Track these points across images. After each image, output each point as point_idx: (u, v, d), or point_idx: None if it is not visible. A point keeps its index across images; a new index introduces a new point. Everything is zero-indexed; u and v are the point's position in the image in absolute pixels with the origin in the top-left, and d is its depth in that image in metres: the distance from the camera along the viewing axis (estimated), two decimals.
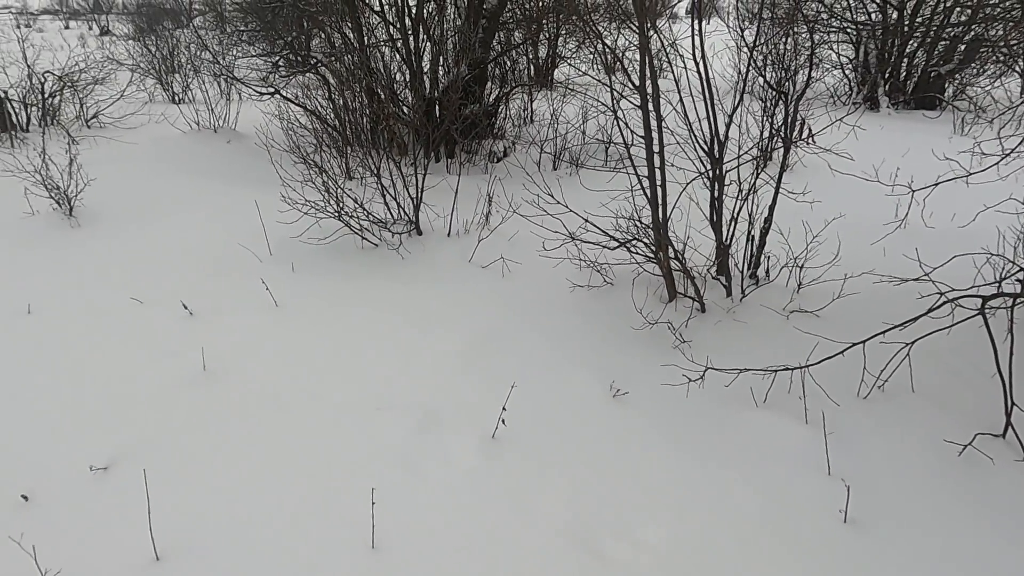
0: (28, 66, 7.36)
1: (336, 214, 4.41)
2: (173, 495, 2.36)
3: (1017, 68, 9.35)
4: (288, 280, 4.04)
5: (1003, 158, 3.09)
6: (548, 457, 2.64)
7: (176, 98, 9.85)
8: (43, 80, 7.43)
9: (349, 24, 6.43)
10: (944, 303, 2.78)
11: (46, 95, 7.45)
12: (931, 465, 2.62)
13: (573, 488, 2.49)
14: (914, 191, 3.59)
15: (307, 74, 7.32)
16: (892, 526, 2.34)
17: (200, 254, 4.39)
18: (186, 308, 3.66)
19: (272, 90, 6.87)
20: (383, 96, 6.12)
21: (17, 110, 7.23)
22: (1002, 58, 8.99)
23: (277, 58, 9.37)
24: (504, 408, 2.75)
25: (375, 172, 4.62)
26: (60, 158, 5.21)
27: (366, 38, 6.35)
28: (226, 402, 2.94)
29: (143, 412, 2.86)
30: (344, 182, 5.33)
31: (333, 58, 6.53)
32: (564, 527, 2.31)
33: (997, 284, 2.96)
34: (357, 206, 4.44)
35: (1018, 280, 3.14)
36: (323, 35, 8.06)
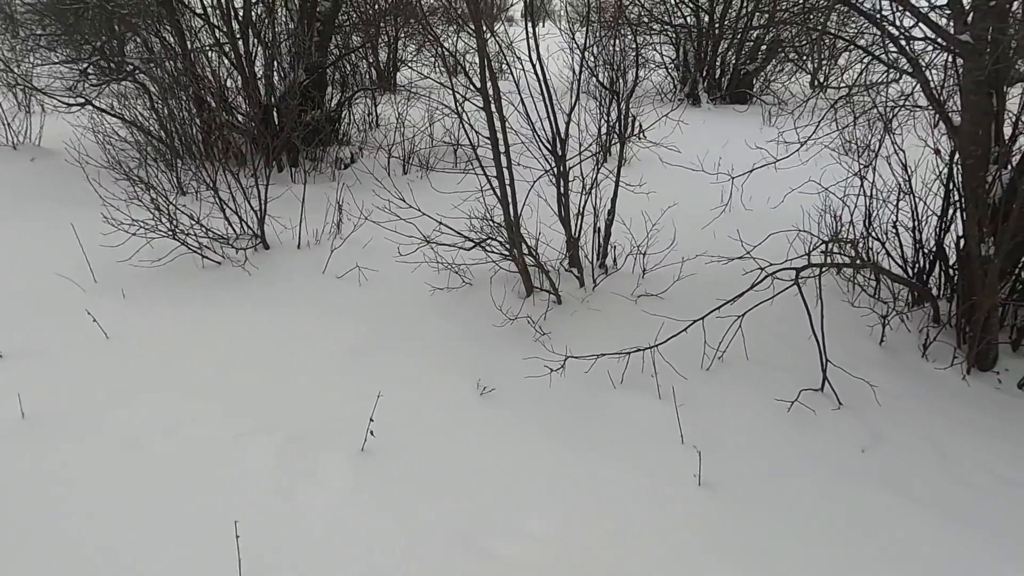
0: None
1: (170, 233, 4.08)
2: (12, 557, 2.07)
3: (806, 67, 10.64)
4: (120, 309, 3.67)
5: (801, 145, 3.50)
6: (423, 463, 2.63)
7: None
8: None
9: (168, 27, 5.95)
10: (765, 277, 3.10)
11: None
12: (767, 424, 2.92)
13: (452, 491, 2.49)
14: (733, 178, 3.98)
15: (123, 82, 6.68)
16: (739, 484, 2.58)
17: (9, 288, 3.87)
18: None
19: (82, 100, 6.20)
20: (214, 104, 5.74)
21: None
22: (794, 57, 10.18)
23: (86, 65, 8.46)
24: (372, 419, 2.69)
25: (211, 185, 4.32)
26: None
27: (189, 42, 5.92)
28: (56, 452, 2.62)
29: None
30: (176, 198, 4.93)
31: (152, 64, 6.01)
32: (450, 531, 2.31)
33: (807, 256, 3.36)
34: (193, 223, 4.14)
35: (822, 252, 3.57)
36: (138, 39, 7.39)
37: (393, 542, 2.26)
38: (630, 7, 9.01)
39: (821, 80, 10.40)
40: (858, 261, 3.65)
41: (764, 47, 10.68)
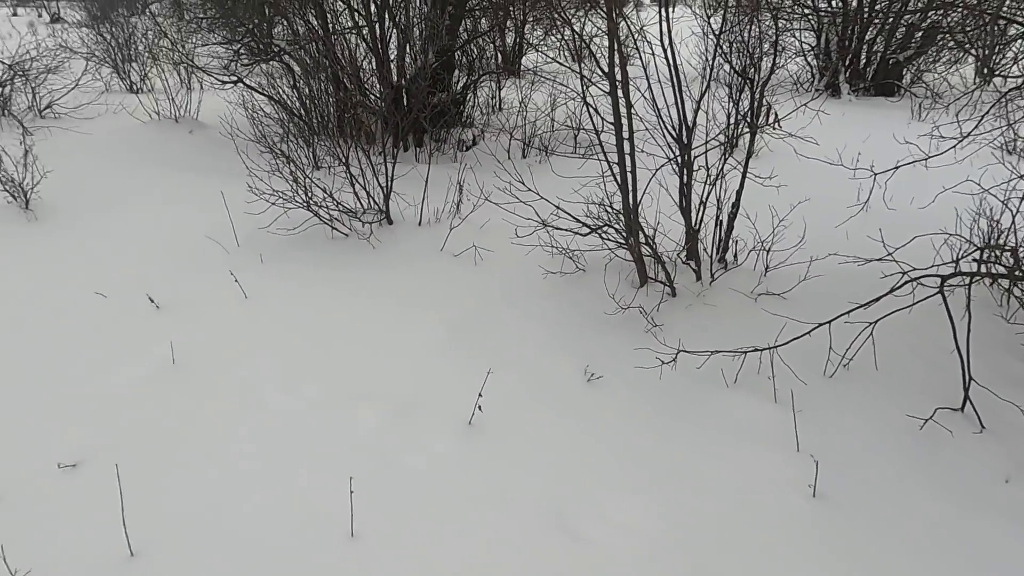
0: None
1: (305, 204, 4.35)
2: (146, 491, 2.33)
3: (972, 54, 9.61)
4: (257, 271, 3.98)
5: (959, 142, 3.18)
6: (524, 442, 2.67)
7: (134, 87, 9.58)
8: None
9: (313, 11, 6.32)
10: (905, 282, 2.86)
11: None
12: (894, 440, 2.71)
13: (550, 471, 2.52)
14: (876, 174, 3.69)
15: (270, 62, 7.18)
16: (858, 499, 2.42)
17: (165, 246, 4.29)
18: (152, 302, 3.59)
19: (235, 79, 6.72)
20: (349, 84, 6.04)
21: None
22: (957, 45, 9.23)
23: (239, 46, 9.17)
24: (480, 394, 2.76)
25: (343, 161, 4.56)
26: (13, 150, 5.03)
27: (331, 25, 6.25)
28: (198, 396, 2.89)
29: (111, 408, 2.80)
30: (312, 171, 5.25)
31: (297, 46, 6.42)
32: (542, 510, 2.34)
33: (955, 263, 3.07)
34: (326, 196, 4.39)
35: (974, 259, 3.25)
36: (286, 23, 7.90)
37: (489, 514, 2.32)
38: None
39: (989, 70, 9.37)
40: (1017, 272, 3.28)
41: (920, 33, 9.77)
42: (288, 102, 6.06)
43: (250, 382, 2.99)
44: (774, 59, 4.05)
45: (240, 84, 6.54)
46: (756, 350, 2.97)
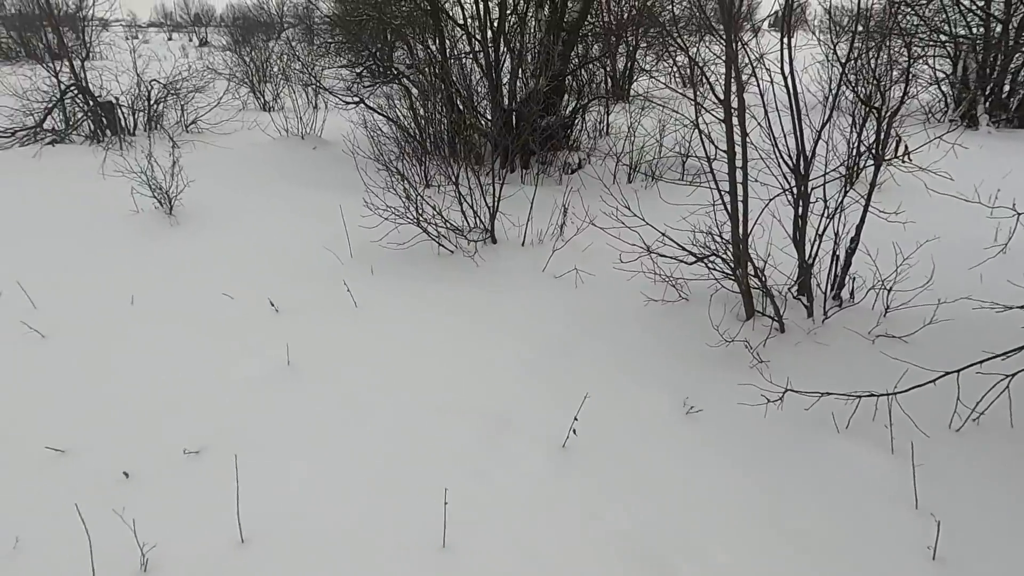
0: (138, 75, 7.92)
1: (415, 220, 4.54)
2: (257, 482, 2.48)
3: None
4: (367, 282, 4.17)
5: None
6: (618, 470, 2.63)
7: (267, 106, 10.37)
8: (150, 88, 7.97)
9: (432, 37, 6.61)
10: None
11: (152, 102, 7.98)
12: None
13: (643, 504, 2.46)
14: (1019, 214, 3.39)
15: (390, 84, 7.57)
16: (985, 567, 2.20)
17: (286, 254, 4.59)
18: (272, 305, 3.84)
19: (357, 99, 7.13)
20: (462, 107, 6.26)
21: (126, 115, 7.78)
22: None
23: (361, 69, 9.73)
24: (576, 418, 2.75)
25: (453, 180, 4.72)
26: (163, 160, 5.57)
27: (448, 51, 6.52)
28: (307, 397, 3.06)
29: (231, 401, 3.01)
30: (423, 189, 5.47)
31: (415, 69, 6.73)
32: (633, 544, 2.29)
33: None
34: (435, 213, 4.55)
35: None
36: (405, 47, 8.31)
37: (580, 541, 2.29)
38: (903, 15, 8.07)
39: None
40: None
41: None
42: (404, 122, 6.35)
43: (356, 387, 3.13)
44: (905, 88, 3.82)
45: (361, 104, 6.93)
46: (872, 395, 2.78)
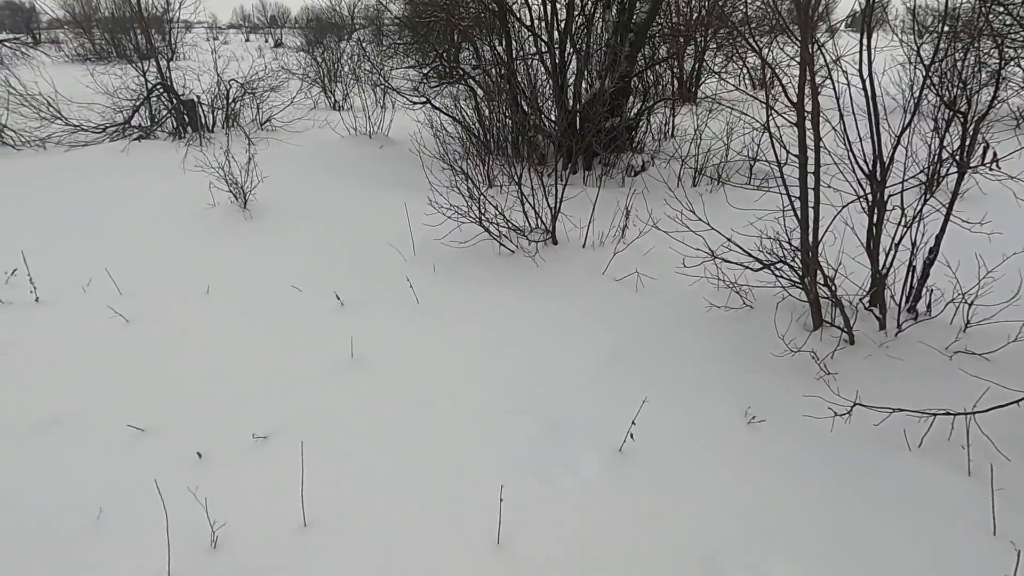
0: (217, 74, 8.29)
1: (477, 219, 4.59)
2: (321, 469, 2.57)
3: None
4: (429, 279, 4.25)
5: None
6: (677, 477, 2.59)
7: (337, 105, 10.67)
8: (228, 87, 8.33)
9: (499, 38, 6.67)
10: None
11: (230, 100, 8.34)
12: None
13: (702, 516, 2.42)
14: None
15: (456, 85, 7.67)
16: None
17: (352, 250, 4.72)
18: (339, 299, 3.96)
19: (423, 99, 7.27)
20: (527, 108, 6.28)
21: (206, 113, 8.15)
22: None
23: (428, 69, 9.89)
24: (633, 422, 2.73)
25: (516, 181, 4.75)
26: (239, 157, 5.82)
27: (514, 51, 6.56)
28: (370, 389, 3.14)
29: (298, 390, 3.12)
30: (486, 189, 5.52)
31: (481, 70, 6.80)
32: (687, 552, 2.25)
33: None
34: (497, 213, 4.59)
35: None
36: (471, 48, 8.41)
37: (636, 548, 2.27)
38: (995, 15, 7.64)
39: None
40: None
41: None
42: (469, 122, 6.43)
43: (416, 382, 3.20)
44: (995, 91, 3.62)
45: (427, 104, 7.05)
46: (949, 414, 2.65)
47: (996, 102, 3.66)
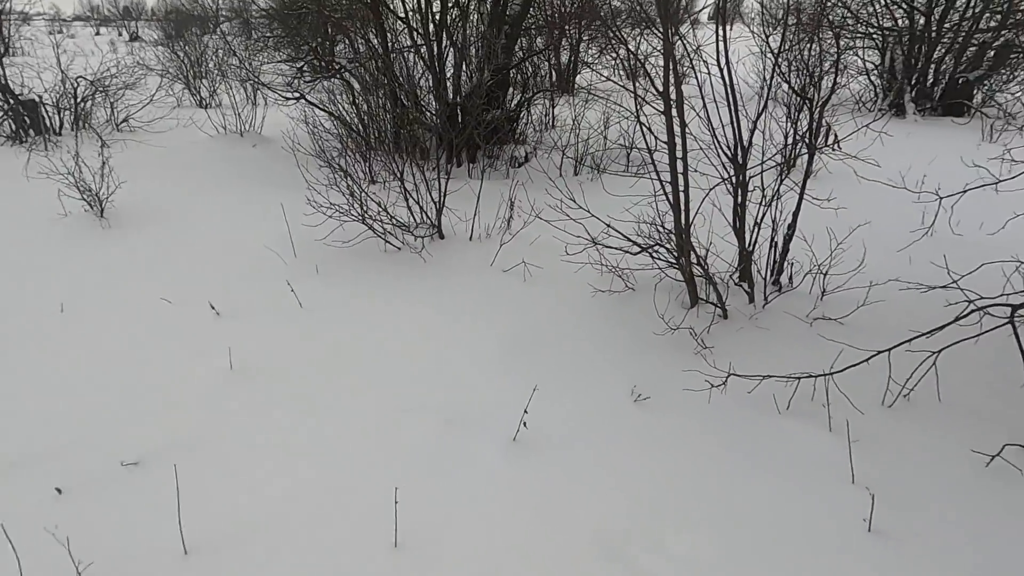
0: (62, 71, 7.55)
1: (360, 217, 4.47)
2: (202, 491, 2.41)
3: None
4: (313, 282, 4.09)
5: None
6: (571, 461, 2.65)
7: (203, 103, 10.03)
8: (75, 85, 7.61)
9: (373, 30, 6.51)
10: (972, 311, 2.74)
11: (78, 99, 7.63)
12: (958, 476, 2.59)
13: (598, 494, 2.49)
14: (942, 198, 3.56)
15: (331, 79, 7.43)
16: (917, 536, 2.31)
17: (227, 256, 4.46)
18: (213, 308, 3.73)
19: (297, 95, 6.98)
20: (406, 101, 6.19)
21: (50, 114, 7.41)
22: None
23: (302, 63, 9.51)
24: (526, 411, 2.76)
25: (398, 176, 4.67)
26: (91, 161, 5.33)
27: (390, 44, 6.43)
28: (253, 401, 2.98)
29: (172, 410, 2.91)
30: (368, 186, 5.39)
31: (357, 63, 6.62)
32: (590, 535, 2.30)
33: None
34: (381, 210, 4.49)
35: None
36: (347, 41, 8.17)
37: (536, 534, 2.30)
38: (832, 8, 8.36)
39: None
40: None
41: (992, 52, 9.40)
42: (347, 118, 6.24)
43: (303, 390, 3.07)
44: (835, 78, 3.96)
45: (302, 100, 6.78)
46: (811, 376, 2.88)
47: (837, 88, 4.01)
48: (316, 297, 3.91)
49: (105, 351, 3.37)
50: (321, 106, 6.47)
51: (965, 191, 3.39)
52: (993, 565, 2.21)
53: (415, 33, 6.43)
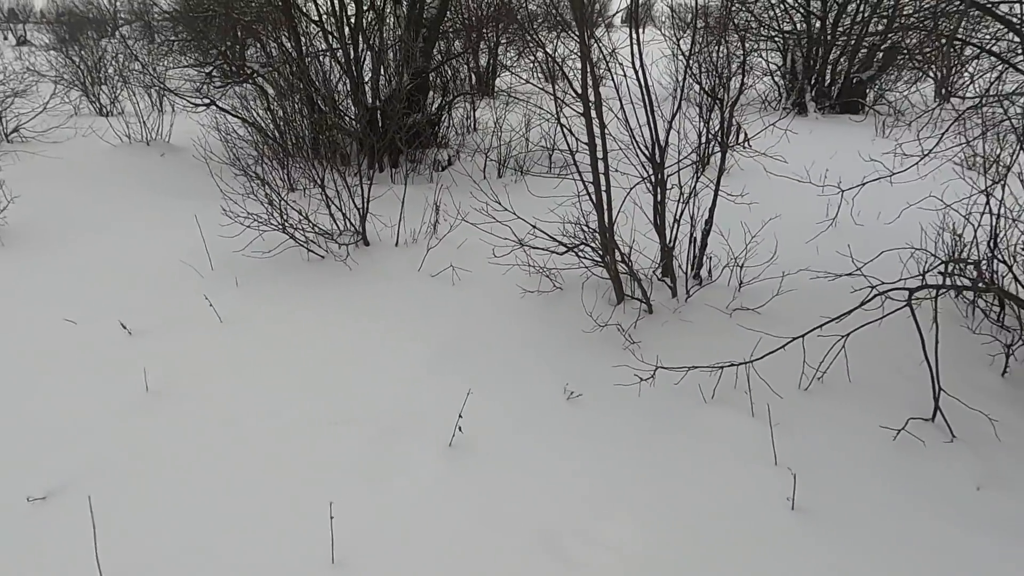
0: None
1: (280, 227, 4.33)
2: (119, 523, 2.27)
3: (930, 74, 9.96)
4: (233, 295, 3.94)
5: (922, 158, 3.29)
6: (508, 462, 2.66)
7: (104, 110, 9.47)
8: None
9: (286, 33, 6.33)
10: (875, 296, 2.93)
11: None
12: (869, 450, 2.76)
13: (534, 492, 2.51)
14: (843, 191, 3.79)
15: (244, 84, 7.16)
16: (835, 510, 2.45)
17: (138, 271, 4.23)
18: (124, 327, 3.52)
19: (207, 101, 6.69)
20: (324, 106, 6.05)
21: None
22: (916, 64, 9.56)
23: (211, 68, 9.12)
24: (460, 415, 2.75)
25: (319, 183, 4.56)
26: None
27: (304, 48, 6.27)
28: (173, 423, 2.84)
29: (83, 438, 2.73)
30: (287, 194, 5.23)
31: (270, 68, 6.42)
32: (529, 533, 2.32)
33: (922, 277, 3.15)
34: (301, 218, 4.37)
35: (940, 272, 3.34)
36: (258, 45, 7.90)
37: (473, 535, 2.30)
38: (736, 12, 8.77)
39: (947, 89, 9.71)
40: (981, 284, 3.38)
41: (881, 54, 10.10)
42: (262, 124, 6.04)
43: (228, 408, 2.95)
44: (742, 79, 4.15)
45: (213, 107, 6.51)
46: (732, 365, 3.01)
47: (744, 88, 4.20)
48: (237, 310, 3.76)
49: (4, 380, 3.12)
50: (234, 112, 6.23)
51: (863, 184, 3.62)
52: (904, 533, 2.37)
53: (330, 37, 6.29)
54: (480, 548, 2.26)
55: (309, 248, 4.41)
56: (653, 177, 3.74)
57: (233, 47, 9.10)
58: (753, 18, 10.10)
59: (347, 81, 6.22)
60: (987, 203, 3.70)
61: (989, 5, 3.09)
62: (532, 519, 2.37)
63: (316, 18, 6.32)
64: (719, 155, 4.01)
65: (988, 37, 4.04)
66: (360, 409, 2.96)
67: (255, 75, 6.87)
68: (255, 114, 6.08)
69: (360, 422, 2.87)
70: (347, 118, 6.28)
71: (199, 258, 4.31)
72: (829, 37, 10.08)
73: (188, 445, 2.71)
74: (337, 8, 6.06)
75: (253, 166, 5.03)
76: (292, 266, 4.33)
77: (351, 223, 4.58)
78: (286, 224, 4.33)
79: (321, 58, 6.26)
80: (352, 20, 6.15)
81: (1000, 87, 3.68)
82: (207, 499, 2.43)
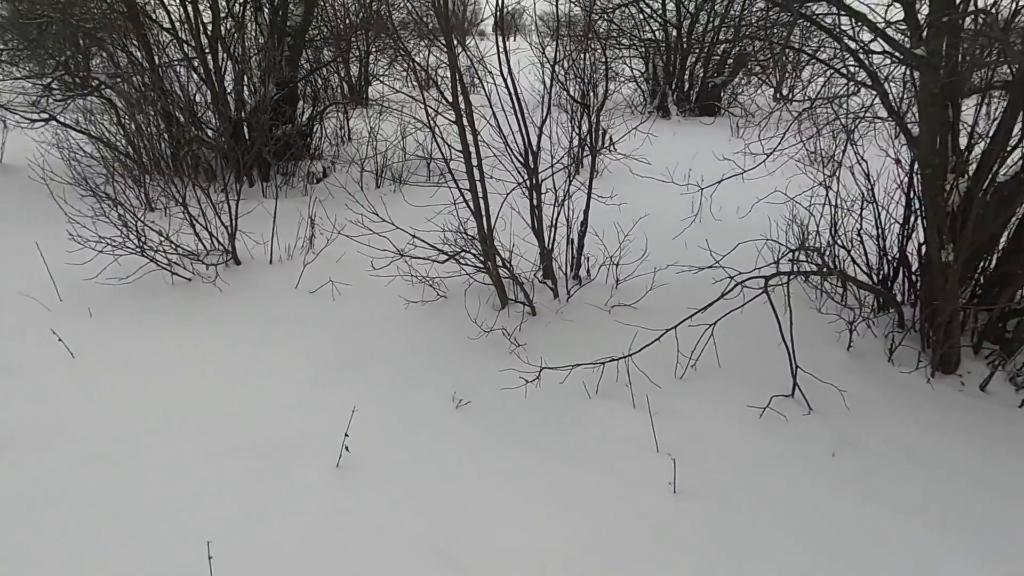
0: None
1: (138, 249, 4.02)
2: None
3: (766, 79, 10.90)
4: (86, 328, 3.60)
5: (767, 156, 3.58)
6: (398, 477, 2.61)
7: None
8: None
9: (135, 42, 5.89)
10: (734, 286, 3.16)
11: None
12: (740, 429, 2.96)
13: (427, 504, 2.48)
14: (703, 188, 4.05)
15: (88, 97, 6.58)
16: (715, 490, 2.60)
17: None
18: None
19: (46, 116, 6.09)
20: (183, 119, 5.68)
21: None
22: (756, 71, 10.43)
23: (50, 80, 8.31)
24: (346, 435, 2.67)
25: (180, 201, 4.27)
26: None
27: (156, 57, 5.86)
28: (25, 474, 2.55)
29: None
30: (144, 214, 4.86)
31: (119, 79, 5.94)
32: (424, 545, 2.29)
33: (775, 265, 3.43)
34: (162, 239, 4.08)
35: (790, 260, 3.65)
36: (104, 54, 7.29)
37: (367, 557, 2.24)
38: (599, 22, 9.15)
39: (784, 93, 10.66)
40: (824, 269, 3.73)
41: (730, 61, 10.92)
42: (112, 140, 5.58)
43: (89, 450, 2.68)
44: (606, 85, 4.34)
45: (53, 122, 5.93)
46: (613, 360, 3.13)
47: (610, 94, 4.39)
48: (91, 344, 3.44)
49: None
50: (78, 128, 5.71)
51: (720, 182, 3.89)
52: (773, 502, 2.56)
53: (186, 45, 5.92)
54: (371, 568, 2.20)
55: (173, 271, 4.12)
56: (528, 182, 3.82)
57: (75, 56, 8.35)
58: (615, 27, 10.59)
59: (208, 92, 5.88)
60: (826, 195, 4.09)
61: (816, 16, 3.42)
62: (423, 533, 2.34)
63: (168, 26, 5.93)
64: (590, 159, 4.16)
65: (817, 45, 4.47)
66: (238, 437, 2.80)
67: (102, 86, 6.33)
68: (103, 128, 5.61)
69: (238, 451, 2.71)
70: (209, 131, 5.93)
71: (44, 289, 3.90)
72: (684, 45, 10.77)
73: (44, 496, 2.44)
74: (192, 15, 5.72)
75: (103, 185, 4.63)
76: (154, 291, 4.03)
77: (219, 242, 4.33)
78: (145, 246, 4.02)
79: (177, 68, 5.88)
80: (209, 28, 5.82)
81: (829, 90, 4.09)
82: (70, 553, 2.20)
